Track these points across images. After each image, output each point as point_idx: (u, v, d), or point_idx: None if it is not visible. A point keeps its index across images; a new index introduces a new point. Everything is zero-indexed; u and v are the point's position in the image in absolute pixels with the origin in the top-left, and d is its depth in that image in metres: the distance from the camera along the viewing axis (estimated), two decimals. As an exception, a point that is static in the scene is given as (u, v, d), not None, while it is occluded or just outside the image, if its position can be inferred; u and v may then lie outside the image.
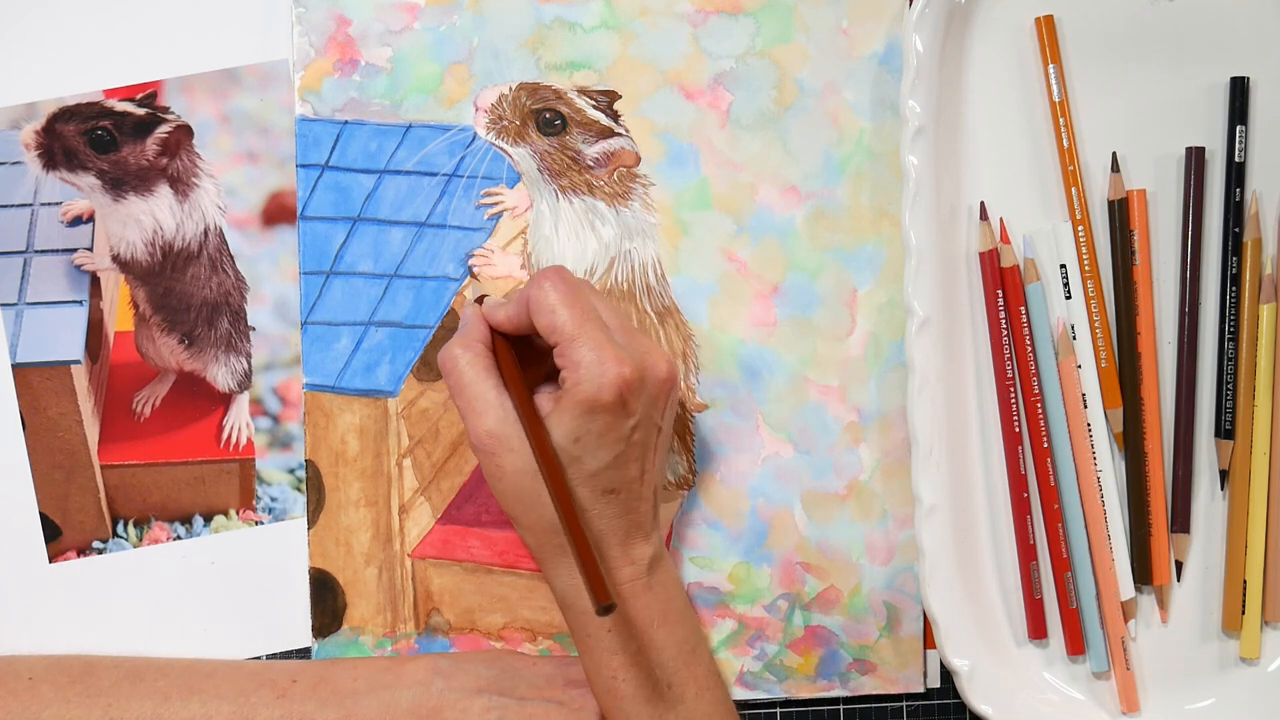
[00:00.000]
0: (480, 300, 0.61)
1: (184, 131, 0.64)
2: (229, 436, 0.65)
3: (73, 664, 0.59)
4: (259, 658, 0.64)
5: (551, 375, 0.59)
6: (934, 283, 0.64)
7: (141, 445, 0.64)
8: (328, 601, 0.64)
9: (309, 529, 0.64)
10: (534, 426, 0.56)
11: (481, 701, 0.59)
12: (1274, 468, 0.66)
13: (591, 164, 0.65)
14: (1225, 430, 0.66)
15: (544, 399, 0.57)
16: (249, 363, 0.65)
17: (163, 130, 0.64)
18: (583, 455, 0.56)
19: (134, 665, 0.60)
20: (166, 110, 0.64)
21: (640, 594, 0.58)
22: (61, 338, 0.64)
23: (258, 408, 0.65)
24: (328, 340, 0.64)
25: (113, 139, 0.63)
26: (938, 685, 0.67)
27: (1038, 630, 0.66)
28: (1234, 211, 0.66)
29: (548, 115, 0.65)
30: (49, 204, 0.64)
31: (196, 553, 0.64)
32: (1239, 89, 0.66)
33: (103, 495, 0.64)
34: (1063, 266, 0.66)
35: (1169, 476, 0.67)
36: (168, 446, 0.64)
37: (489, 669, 0.61)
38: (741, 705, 0.66)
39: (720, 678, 0.62)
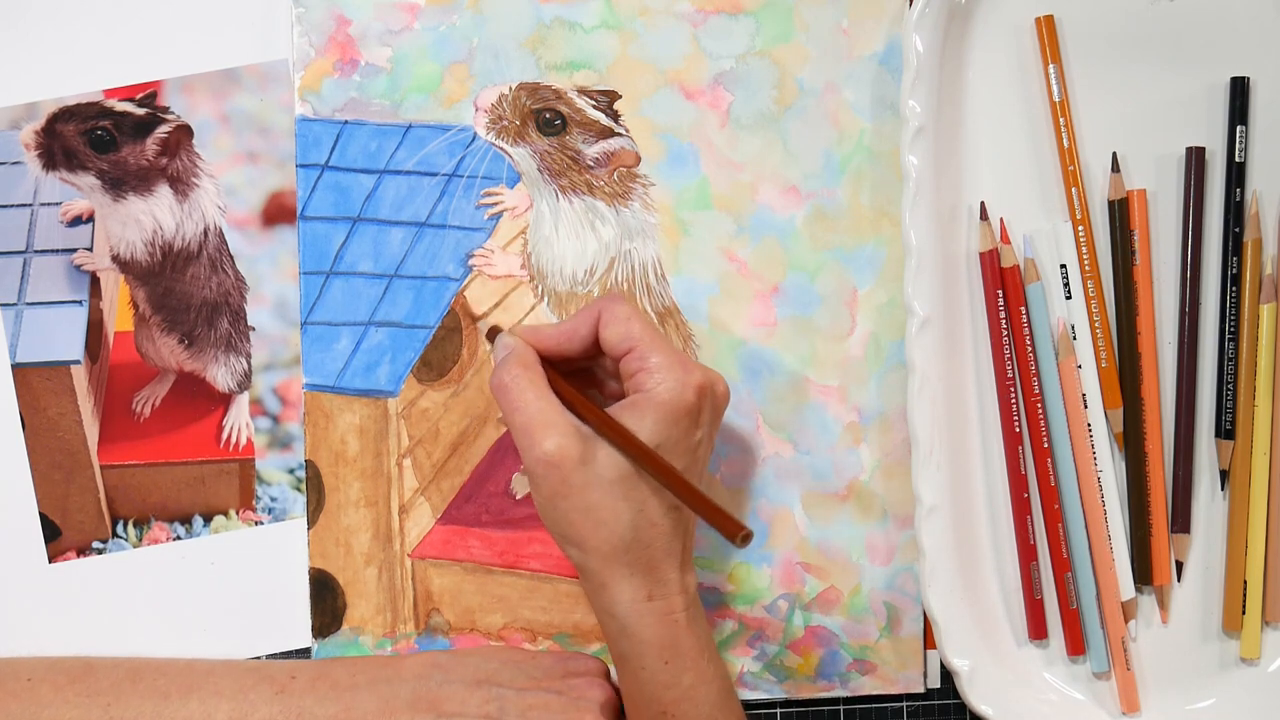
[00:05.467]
0: (491, 332, 0.61)
1: (184, 131, 0.64)
2: (229, 436, 0.65)
3: (71, 664, 0.59)
4: (259, 658, 0.64)
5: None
6: (934, 283, 0.64)
7: (141, 445, 0.64)
8: (328, 601, 0.64)
9: (309, 529, 0.64)
10: (614, 425, 0.55)
11: (480, 693, 0.59)
12: (1274, 468, 0.66)
13: (591, 164, 0.65)
14: (1225, 430, 0.66)
15: (611, 407, 0.57)
16: (249, 363, 0.65)
17: (163, 130, 0.64)
18: None
19: (132, 665, 0.60)
20: (166, 110, 0.64)
21: (693, 623, 0.57)
22: (61, 338, 0.63)
23: (258, 408, 0.65)
24: (328, 340, 0.64)
25: (113, 139, 0.63)
26: (938, 685, 0.67)
27: (1038, 630, 0.66)
28: (1234, 211, 0.66)
29: (548, 115, 0.65)
30: (49, 204, 0.64)
31: (196, 553, 0.64)
32: (1239, 89, 0.66)
33: (102, 495, 0.64)
34: (1063, 266, 0.66)
35: (1169, 476, 0.67)
36: (168, 446, 0.64)
37: (488, 662, 0.61)
38: (742, 705, 0.66)
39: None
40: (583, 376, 0.61)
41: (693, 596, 0.58)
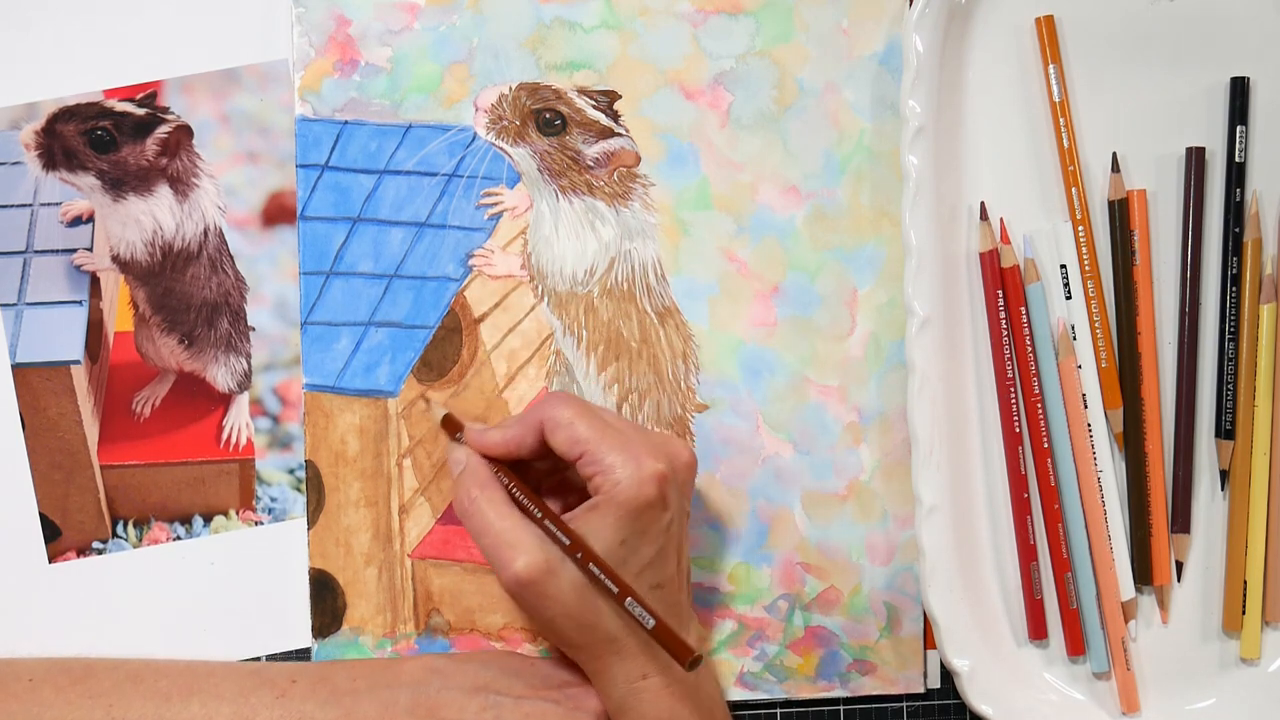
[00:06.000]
0: (450, 427, 0.61)
1: (184, 131, 0.64)
2: (229, 437, 0.65)
3: (72, 665, 0.59)
4: (259, 658, 0.64)
5: (555, 491, 0.60)
6: (934, 283, 0.64)
7: (141, 445, 0.64)
8: (328, 602, 0.64)
9: (309, 529, 0.64)
10: (573, 535, 0.55)
11: (478, 700, 0.59)
12: (1274, 468, 0.66)
13: (591, 164, 0.65)
14: (1225, 430, 0.66)
15: (574, 512, 0.57)
16: (249, 363, 0.65)
17: (163, 130, 0.64)
18: (628, 557, 0.56)
19: (133, 667, 0.60)
20: (166, 110, 0.64)
21: (692, 692, 0.58)
22: (61, 338, 0.63)
23: (258, 408, 0.65)
24: (328, 340, 0.64)
25: (113, 139, 0.63)
26: (938, 685, 0.67)
27: (1038, 630, 0.66)
28: (1234, 211, 0.66)
29: (548, 115, 0.65)
30: (49, 204, 0.64)
31: (196, 553, 0.64)
32: (1239, 89, 0.66)
33: (102, 495, 0.64)
34: (1063, 266, 0.66)
35: (1169, 476, 0.67)
36: (167, 447, 0.64)
37: (486, 668, 0.61)
38: (741, 706, 0.66)
39: None
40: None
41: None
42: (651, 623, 0.54)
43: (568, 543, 0.55)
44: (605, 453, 0.56)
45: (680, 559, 0.59)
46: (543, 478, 0.62)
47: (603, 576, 0.55)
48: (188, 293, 0.64)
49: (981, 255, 0.66)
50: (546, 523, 0.56)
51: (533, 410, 0.59)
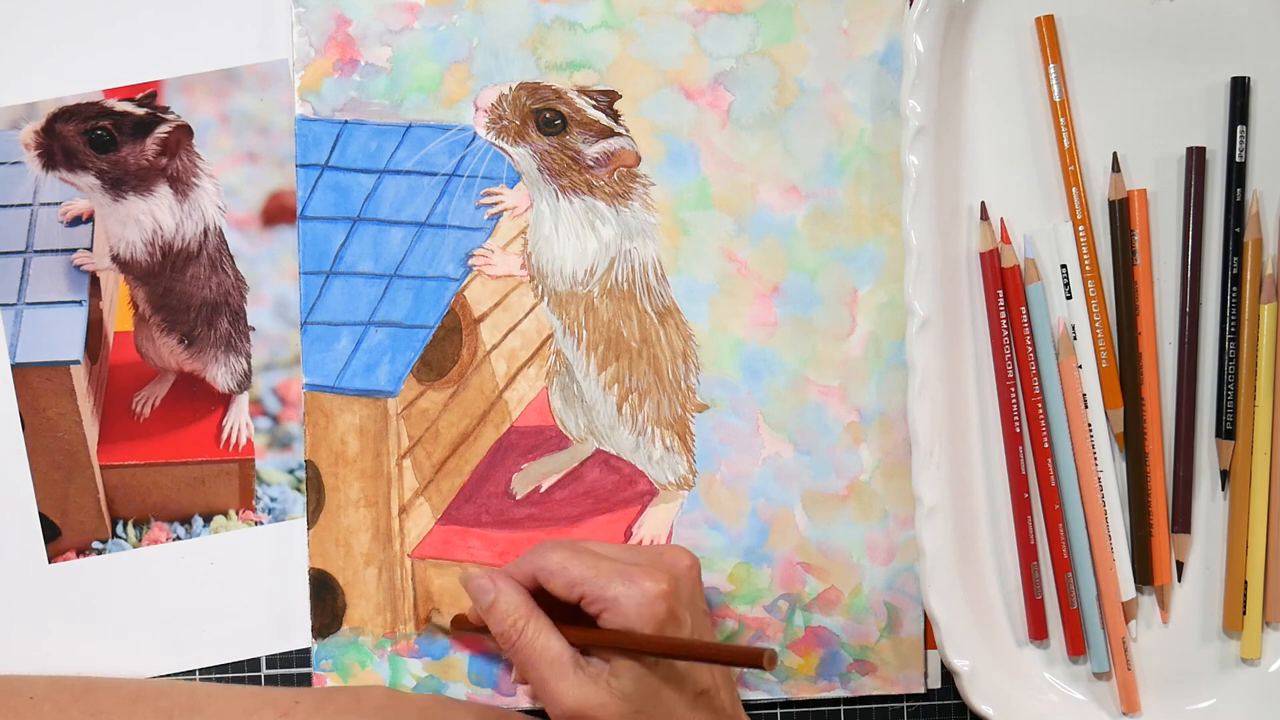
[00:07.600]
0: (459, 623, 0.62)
1: (184, 131, 0.64)
2: (229, 437, 0.65)
3: (73, 684, 0.59)
4: (259, 658, 0.64)
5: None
6: (934, 283, 0.64)
7: (141, 445, 0.64)
8: (328, 602, 0.64)
9: (309, 529, 0.64)
10: (611, 636, 0.56)
11: None
12: (1275, 468, 0.66)
13: (591, 164, 0.65)
14: (1226, 430, 0.66)
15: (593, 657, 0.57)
16: (249, 363, 0.65)
17: (162, 130, 0.64)
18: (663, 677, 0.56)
19: (134, 686, 0.60)
20: (166, 110, 0.64)
21: None
22: (61, 338, 0.63)
23: (257, 408, 0.65)
24: (328, 340, 0.64)
25: (112, 139, 0.63)
26: (938, 686, 0.67)
27: (1038, 631, 0.66)
28: (1234, 211, 0.66)
29: (548, 115, 0.65)
30: (48, 204, 0.64)
31: (196, 553, 0.64)
32: (1239, 89, 0.66)
33: (102, 495, 0.64)
34: (1063, 266, 0.66)
35: (1170, 476, 0.67)
36: (167, 447, 0.64)
37: (489, 711, 0.62)
38: (742, 706, 0.66)
39: None
40: None
41: None
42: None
43: (607, 664, 0.56)
44: (604, 586, 0.56)
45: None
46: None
47: (658, 659, 0.56)
48: (188, 293, 0.64)
49: (982, 255, 0.66)
50: (586, 640, 0.57)
51: (525, 561, 0.59)
